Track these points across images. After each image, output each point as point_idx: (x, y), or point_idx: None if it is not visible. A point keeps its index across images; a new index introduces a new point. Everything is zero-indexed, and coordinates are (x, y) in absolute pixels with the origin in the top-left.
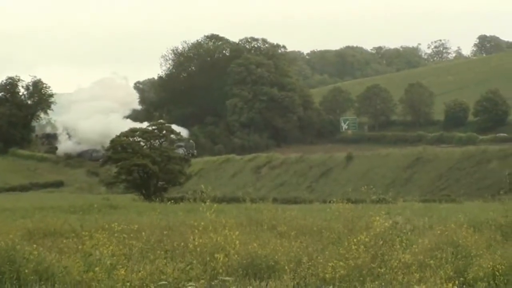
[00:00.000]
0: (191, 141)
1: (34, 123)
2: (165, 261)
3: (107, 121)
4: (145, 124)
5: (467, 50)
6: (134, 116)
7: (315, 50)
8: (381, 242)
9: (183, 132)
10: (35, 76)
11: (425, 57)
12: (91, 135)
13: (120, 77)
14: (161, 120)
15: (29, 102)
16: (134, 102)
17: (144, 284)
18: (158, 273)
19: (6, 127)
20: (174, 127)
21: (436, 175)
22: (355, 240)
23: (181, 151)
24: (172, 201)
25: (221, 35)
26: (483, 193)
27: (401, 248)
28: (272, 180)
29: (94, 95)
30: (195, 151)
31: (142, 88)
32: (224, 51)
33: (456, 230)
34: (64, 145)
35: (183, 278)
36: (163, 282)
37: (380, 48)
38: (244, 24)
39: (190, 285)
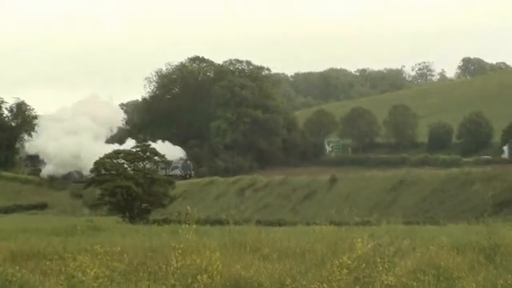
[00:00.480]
0: (188, 161)
1: (18, 145)
2: (148, 283)
3: (77, 142)
4: (124, 146)
5: (451, 72)
6: (118, 137)
7: (299, 72)
8: (363, 265)
9: (180, 152)
10: (18, 98)
11: (409, 79)
12: (61, 157)
13: (105, 96)
14: (145, 142)
15: (13, 124)
16: (119, 119)
17: None
18: None
19: None
20: (170, 146)
21: (420, 198)
22: (337, 262)
23: (178, 171)
24: (157, 223)
25: (205, 57)
26: (467, 215)
27: (383, 270)
28: (256, 203)
29: (78, 113)
30: (192, 172)
31: (126, 110)
32: (208, 73)
33: (438, 252)
34: (48, 168)
35: None
36: None
37: (364, 70)
38: (229, 46)
39: None
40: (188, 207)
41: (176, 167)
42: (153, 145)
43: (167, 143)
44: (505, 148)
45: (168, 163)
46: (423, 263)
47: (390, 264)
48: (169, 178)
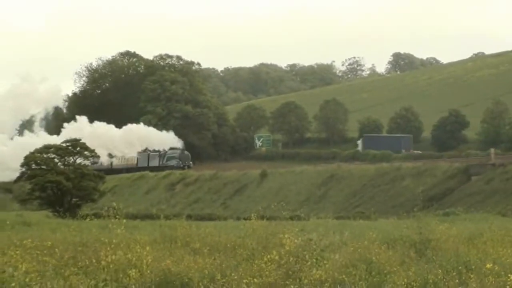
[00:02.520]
0: (185, 152)
1: None
2: (78, 277)
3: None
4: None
5: (381, 67)
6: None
7: (229, 68)
8: (292, 259)
9: (178, 142)
10: None
11: (340, 74)
12: None
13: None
14: (76, 137)
15: None
16: (58, 98)
17: None
18: None
19: None
20: (166, 134)
21: (350, 192)
22: (267, 257)
23: (174, 162)
24: (87, 217)
25: (136, 52)
26: (398, 210)
27: (314, 265)
28: (186, 197)
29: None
30: (190, 162)
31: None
32: (138, 68)
33: (370, 247)
34: None
35: None
36: None
37: (294, 65)
38: (159, 41)
39: None
40: (114, 204)
41: (173, 158)
42: (146, 129)
43: (164, 131)
44: (359, 142)
45: (97, 157)
46: (354, 258)
47: (320, 259)
48: (99, 173)
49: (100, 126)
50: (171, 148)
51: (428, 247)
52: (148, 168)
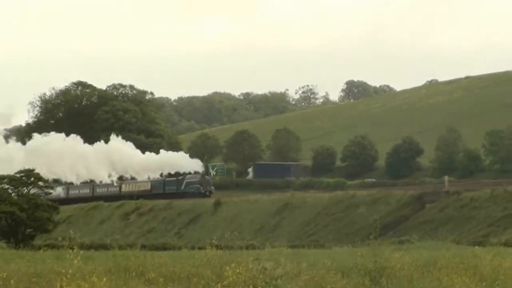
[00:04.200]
0: (206, 176)
1: None
2: None
3: None
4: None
5: (335, 95)
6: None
7: (183, 97)
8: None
9: (197, 165)
10: None
11: (293, 102)
12: None
13: None
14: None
15: None
16: (12, 114)
17: None
18: None
19: None
20: (186, 158)
21: (305, 221)
22: (222, 286)
23: (194, 188)
24: (41, 248)
25: (89, 81)
26: (352, 238)
27: None
28: (141, 227)
29: None
30: (212, 187)
31: (8, 135)
32: (92, 98)
33: (324, 276)
34: None
35: None
36: None
37: (248, 94)
38: (112, 70)
39: None
40: (72, 232)
41: (193, 183)
42: (167, 154)
43: (182, 153)
44: (250, 170)
45: (50, 187)
46: (310, 287)
47: None
48: (53, 203)
49: (118, 145)
50: (190, 173)
51: (383, 275)
52: (163, 195)
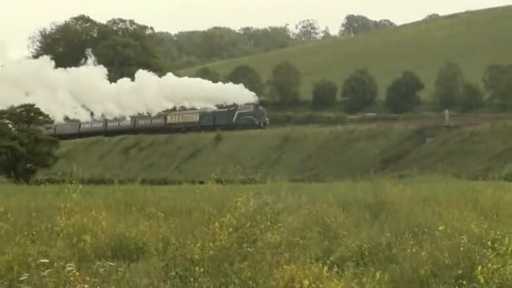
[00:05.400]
0: (260, 107)
1: None
2: (33, 243)
3: None
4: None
5: (335, 30)
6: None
7: (183, 31)
8: (248, 224)
9: (251, 96)
10: None
11: (293, 37)
12: None
13: None
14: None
15: None
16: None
17: (10, 267)
18: (25, 256)
19: None
20: (238, 88)
21: (305, 155)
22: (222, 220)
23: (247, 120)
24: (42, 183)
25: (90, 16)
26: (353, 172)
27: (269, 228)
28: (141, 162)
29: None
30: (267, 118)
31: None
32: (92, 33)
33: (325, 210)
34: None
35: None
36: (44, 260)
37: (248, 28)
38: (113, 4)
39: (70, 266)
40: (74, 166)
41: (246, 114)
42: (217, 84)
43: (231, 83)
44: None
45: (50, 122)
46: (310, 221)
47: (275, 222)
48: (53, 138)
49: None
50: (244, 104)
51: (383, 210)
52: (213, 126)
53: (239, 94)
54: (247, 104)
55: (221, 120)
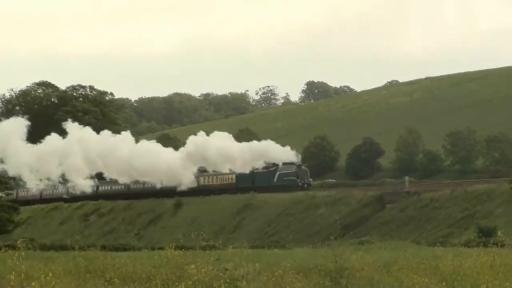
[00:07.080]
0: (303, 167)
1: None
2: None
3: None
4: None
5: (295, 96)
6: None
7: (143, 97)
8: None
9: (292, 155)
10: None
11: (254, 103)
12: None
13: None
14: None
15: None
16: None
17: None
18: None
19: None
20: (279, 147)
21: (265, 221)
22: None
23: (289, 181)
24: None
25: (51, 81)
26: (313, 239)
27: None
28: (101, 228)
29: None
30: (310, 179)
31: None
32: (52, 99)
33: (284, 276)
34: None
35: None
36: None
37: (208, 94)
38: (73, 70)
39: None
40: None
41: (288, 175)
42: (260, 143)
43: (270, 141)
44: None
45: (10, 189)
46: (269, 287)
47: None
48: (13, 204)
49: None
50: (285, 164)
51: (343, 276)
52: (252, 188)
53: (281, 153)
54: (288, 164)
55: (261, 181)
